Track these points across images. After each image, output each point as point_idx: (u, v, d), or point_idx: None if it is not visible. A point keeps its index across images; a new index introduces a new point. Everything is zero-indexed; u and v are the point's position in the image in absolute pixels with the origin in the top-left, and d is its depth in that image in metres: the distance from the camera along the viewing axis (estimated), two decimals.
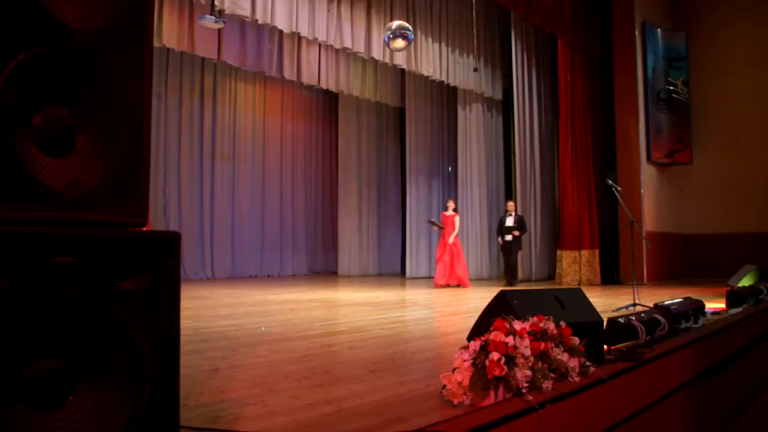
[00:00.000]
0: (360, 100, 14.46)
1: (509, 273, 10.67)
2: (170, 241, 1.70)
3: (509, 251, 10.60)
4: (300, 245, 15.15)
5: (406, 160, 14.15)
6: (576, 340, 2.86)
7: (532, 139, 12.45)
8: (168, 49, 11.24)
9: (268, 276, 14.09)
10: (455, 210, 10.62)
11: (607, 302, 7.59)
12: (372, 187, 15.39)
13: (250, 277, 13.65)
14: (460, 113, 13.41)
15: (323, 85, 12.31)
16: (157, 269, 1.65)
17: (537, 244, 12.36)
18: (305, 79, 11.90)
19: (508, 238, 10.55)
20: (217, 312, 6.35)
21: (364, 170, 15.22)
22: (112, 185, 1.65)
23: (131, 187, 1.69)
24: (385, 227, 15.66)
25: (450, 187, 14.66)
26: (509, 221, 10.56)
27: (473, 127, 13.26)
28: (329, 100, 15.92)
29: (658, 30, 12.63)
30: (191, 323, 5.20)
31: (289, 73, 11.64)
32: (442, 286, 10.08)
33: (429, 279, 12.58)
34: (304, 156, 15.47)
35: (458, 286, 10.17)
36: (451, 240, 10.17)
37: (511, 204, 10.81)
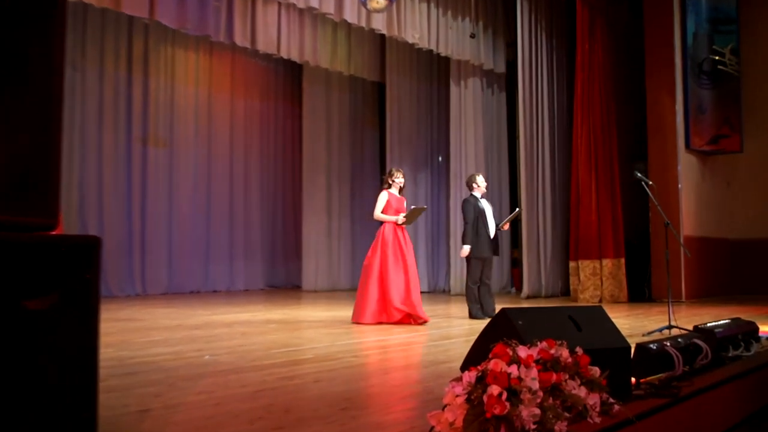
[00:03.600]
0: (330, 73, 14.45)
1: (484, 295, 8.42)
2: (88, 248, 1.68)
3: (487, 259, 8.45)
4: (254, 253, 15.12)
5: (387, 148, 14.18)
6: (596, 370, 2.88)
7: (541, 121, 12.56)
8: (86, 5, 11.00)
9: (215, 292, 14.03)
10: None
11: (635, 324, 7.66)
12: (344, 181, 15.40)
13: (192, 293, 13.58)
14: (453, 90, 13.48)
15: (284, 55, 12.28)
16: (71, 283, 1.63)
17: (547, 251, 12.46)
18: (261, 47, 11.85)
19: (492, 232, 8.51)
20: (149, 337, 6.32)
21: (335, 161, 15.23)
22: (12, 179, 1.63)
23: (38, 181, 1.67)
24: (360, 231, 15.66)
25: (440, 180, 14.73)
26: (485, 205, 8.53)
27: (469, 108, 13.34)
28: (291, 74, 15.87)
29: None
30: (115, 352, 5.16)
31: (240, 39, 11.57)
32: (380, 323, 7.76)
33: None
34: (260, 143, 15.44)
35: (407, 322, 7.74)
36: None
37: (482, 182, 8.64)
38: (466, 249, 8.29)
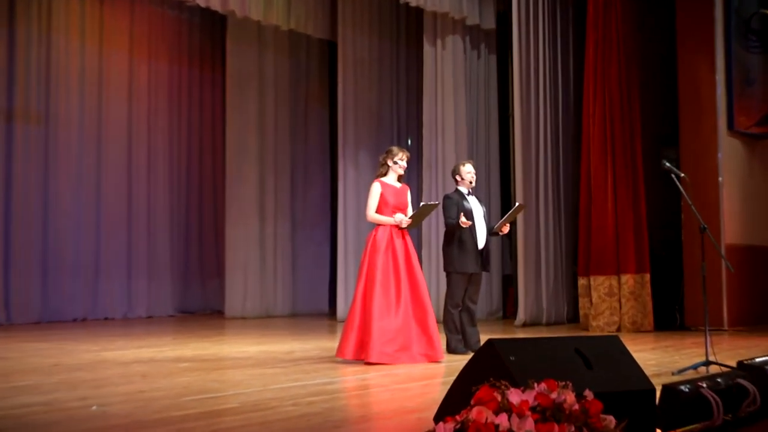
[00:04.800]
0: (262, 28, 14.42)
1: (466, 323, 8.48)
2: None
3: (473, 276, 8.50)
4: (161, 269, 15.00)
5: (339, 128, 14.11)
6: (611, 420, 2.89)
7: (542, 94, 12.65)
8: None
9: (107, 320, 13.86)
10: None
11: (663, 358, 7.73)
12: (282, 172, 15.34)
13: (75, 321, 13.40)
14: (427, 52, 13.48)
15: (201, 2, 12.19)
16: None
17: (549, 264, 12.54)
18: None
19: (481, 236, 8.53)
20: (14, 382, 6.21)
21: (270, 145, 15.17)
22: None
23: None
24: (303, 239, 15.61)
25: (411, 170, 14.64)
26: (473, 203, 8.60)
27: (448, 75, 13.35)
28: (211, 29, 15.77)
29: None
30: None
31: None
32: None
33: None
34: (168, 121, 15.34)
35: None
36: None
37: (468, 171, 8.67)
38: (461, 220, 8.17)
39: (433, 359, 7.55)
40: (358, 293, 7.71)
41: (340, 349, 7.62)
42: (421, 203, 8.34)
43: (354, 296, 7.82)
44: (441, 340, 7.75)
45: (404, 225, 7.82)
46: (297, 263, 15.50)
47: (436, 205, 8.26)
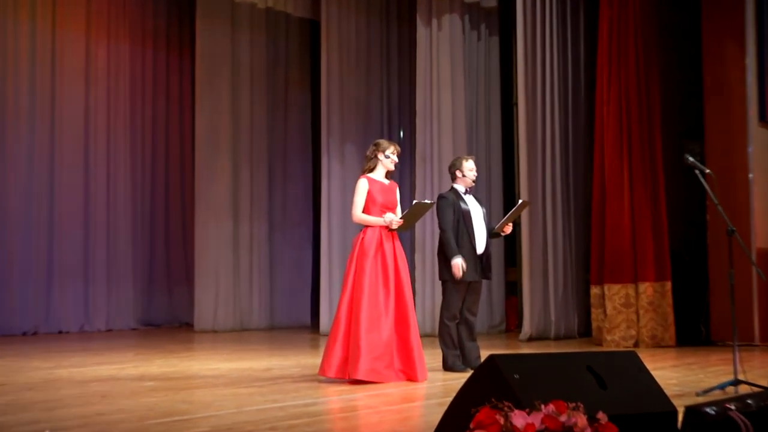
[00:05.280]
0: (237, 6, 14.45)
1: (465, 337, 8.56)
2: None
3: (472, 284, 8.56)
4: (122, 277, 14.97)
5: (323, 117, 14.10)
6: None
7: (550, 80, 12.63)
8: None
9: (61, 333, 13.86)
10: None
11: (686, 377, 7.75)
12: (259, 167, 15.32)
13: (25, 335, 13.39)
14: (421, 33, 13.48)
15: None
16: None
17: (558, 271, 12.52)
18: None
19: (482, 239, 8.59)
20: None
21: (244, 137, 15.15)
22: None
23: None
24: (282, 242, 15.59)
25: (404, 165, 14.63)
26: (471, 204, 8.64)
27: (444, 59, 13.33)
28: (178, 7, 15.76)
29: None
30: None
31: None
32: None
33: None
34: (130, 110, 15.31)
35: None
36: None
37: (471, 168, 8.67)
38: (458, 263, 8.20)
39: (411, 378, 7.55)
40: (344, 303, 7.67)
41: (323, 367, 7.60)
42: (414, 201, 8.25)
43: (338, 306, 7.79)
44: (424, 358, 7.74)
45: (395, 226, 7.79)
46: (275, 269, 15.50)
47: (431, 205, 8.25)
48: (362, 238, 7.78)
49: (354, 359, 7.38)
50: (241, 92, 15.10)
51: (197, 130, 15.07)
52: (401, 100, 14.91)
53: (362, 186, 7.89)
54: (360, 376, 7.29)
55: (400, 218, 7.83)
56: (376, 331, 7.51)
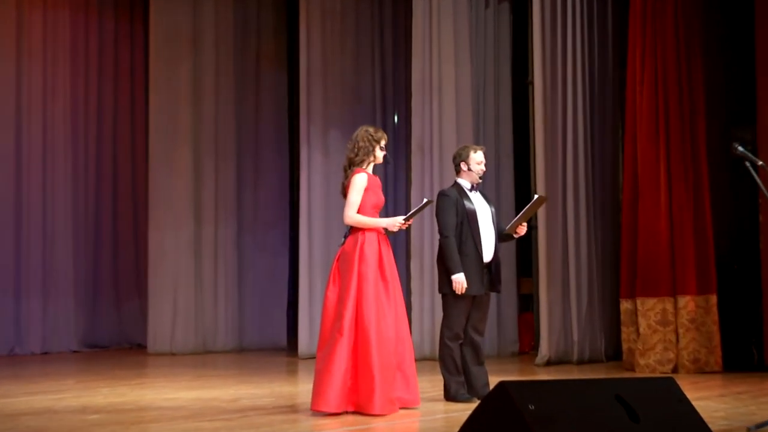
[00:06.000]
0: None
1: (470, 361, 8.65)
2: None
3: (478, 299, 8.62)
4: (60, 291, 14.98)
5: (302, 99, 14.12)
6: None
7: (572, 57, 12.65)
8: None
9: None
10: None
11: (734, 409, 7.76)
12: (226, 159, 15.36)
13: None
14: (418, 5, 13.51)
15: None
16: None
17: (581, 282, 12.53)
18: None
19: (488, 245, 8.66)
20: None
21: (208, 123, 15.19)
22: None
23: None
24: (253, 247, 15.59)
25: (397, 157, 14.68)
26: (477, 202, 8.70)
27: (446, 30, 13.34)
28: None
29: None
30: None
31: None
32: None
33: None
34: (71, 89, 15.34)
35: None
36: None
37: (479, 160, 8.73)
38: (459, 279, 8.23)
39: (410, 404, 7.67)
40: (346, 318, 7.64)
41: (317, 400, 7.56)
42: (425, 200, 8.21)
43: (328, 323, 7.77)
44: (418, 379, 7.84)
45: (395, 229, 7.89)
46: (245, 279, 15.53)
47: (430, 202, 8.28)
48: (362, 242, 7.80)
49: (368, 390, 7.44)
50: (204, 69, 15.14)
51: (151, 115, 15.12)
52: (396, 79, 14.93)
53: (361, 182, 7.93)
54: (377, 411, 7.37)
55: (406, 218, 7.91)
56: (386, 353, 7.58)
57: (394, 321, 7.75)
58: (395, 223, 7.82)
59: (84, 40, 15.54)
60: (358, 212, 7.85)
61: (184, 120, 14.91)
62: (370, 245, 7.80)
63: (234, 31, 15.46)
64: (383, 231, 7.87)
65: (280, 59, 16.10)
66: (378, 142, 8.03)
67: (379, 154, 8.04)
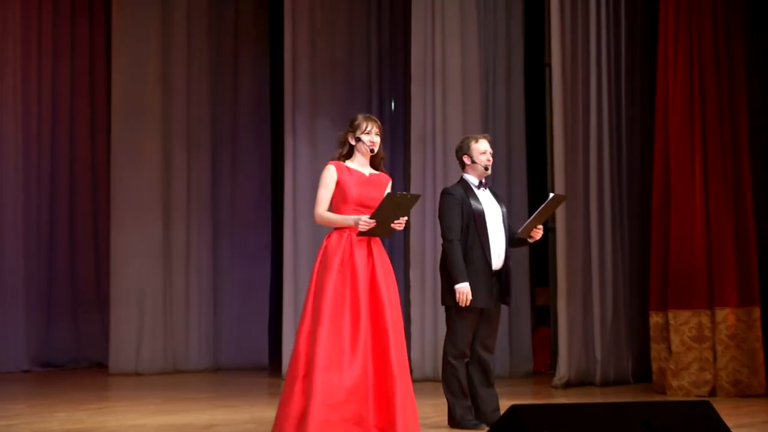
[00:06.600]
0: None
1: (479, 382, 8.73)
2: None
3: (486, 312, 8.68)
4: (8, 303, 15.01)
5: (285, 83, 14.14)
6: None
7: (594, 32, 12.69)
8: None
9: None
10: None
11: None
12: (199, 150, 15.44)
13: None
14: None
15: None
16: None
17: (606, 293, 12.58)
18: None
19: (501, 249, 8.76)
20: None
21: (180, 111, 15.26)
22: None
23: None
24: (231, 252, 15.62)
25: (395, 149, 14.70)
26: (486, 202, 8.75)
27: (451, 7, 13.42)
28: None
29: None
30: None
31: None
32: None
33: None
34: (23, 76, 15.38)
35: None
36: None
37: (483, 149, 8.75)
38: (463, 290, 8.27)
39: None
40: (302, 332, 7.66)
41: (278, 421, 7.59)
42: (386, 192, 8.04)
43: (297, 336, 7.77)
44: (415, 409, 7.72)
45: (362, 228, 7.61)
46: (221, 289, 15.59)
47: (416, 199, 8.18)
48: (326, 246, 7.77)
49: (306, 407, 7.36)
50: (174, 48, 15.17)
51: (114, 101, 15.14)
52: (393, 63, 15.01)
53: (329, 175, 7.86)
54: (310, 430, 7.26)
55: (369, 218, 7.60)
56: (336, 370, 7.42)
57: (371, 335, 7.57)
58: (356, 221, 7.59)
59: (36, 11, 15.52)
60: (335, 211, 7.79)
61: (152, 105, 14.92)
62: (335, 247, 7.70)
63: (208, 6, 15.48)
64: (356, 230, 7.64)
65: (262, 39, 16.13)
66: (353, 131, 7.91)
67: (360, 145, 7.86)
